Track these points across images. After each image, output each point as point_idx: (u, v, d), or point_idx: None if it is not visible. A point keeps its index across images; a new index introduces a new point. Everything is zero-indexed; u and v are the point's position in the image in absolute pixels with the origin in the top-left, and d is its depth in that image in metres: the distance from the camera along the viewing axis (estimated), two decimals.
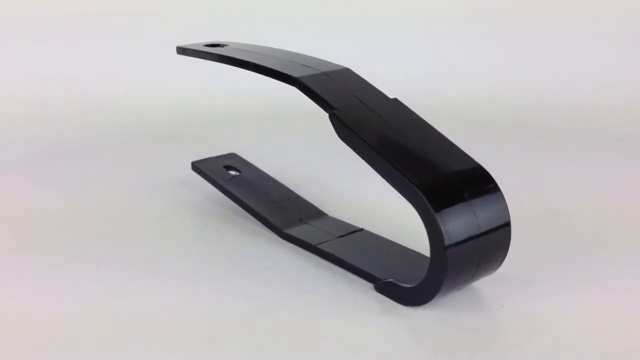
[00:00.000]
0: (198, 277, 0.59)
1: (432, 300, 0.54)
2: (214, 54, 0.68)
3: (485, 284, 0.57)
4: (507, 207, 0.53)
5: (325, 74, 0.61)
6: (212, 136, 0.93)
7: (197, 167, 0.75)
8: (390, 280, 0.56)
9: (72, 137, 0.92)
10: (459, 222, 0.51)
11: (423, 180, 0.52)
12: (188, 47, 0.71)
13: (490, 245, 0.53)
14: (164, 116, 0.98)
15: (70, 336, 0.51)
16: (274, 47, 0.71)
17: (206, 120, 0.98)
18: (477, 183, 0.53)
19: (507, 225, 0.53)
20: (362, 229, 0.65)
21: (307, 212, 0.69)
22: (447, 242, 0.50)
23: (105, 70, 1.07)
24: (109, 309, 0.54)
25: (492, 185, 0.54)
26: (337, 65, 0.63)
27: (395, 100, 0.60)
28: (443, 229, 0.50)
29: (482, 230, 0.52)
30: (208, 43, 0.72)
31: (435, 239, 0.50)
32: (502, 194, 0.54)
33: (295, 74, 0.60)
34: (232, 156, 0.78)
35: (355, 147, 0.55)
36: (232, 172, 0.75)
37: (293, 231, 0.65)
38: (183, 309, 0.54)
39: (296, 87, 0.60)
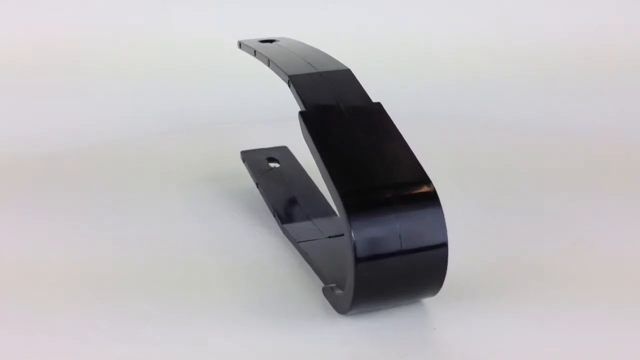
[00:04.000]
0: (176, 250, 0.64)
1: (364, 312, 0.53)
2: (250, 47, 0.71)
3: (433, 304, 0.54)
4: (444, 227, 0.50)
5: (320, 73, 0.61)
6: (281, 129, 0.96)
7: (243, 156, 0.79)
8: (331, 285, 0.55)
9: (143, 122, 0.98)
10: (377, 236, 0.49)
11: (349, 189, 0.50)
12: (244, 42, 0.75)
13: (418, 265, 0.50)
14: (235, 109, 1.02)
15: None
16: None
17: (279, 113, 1.01)
18: (414, 198, 0.50)
19: (442, 246, 0.50)
20: None
21: (319, 210, 0.69)
22: (358, 255, 0.48)
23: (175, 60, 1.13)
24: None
25: (431, 202, 0.50)
26: (341, 65, 0.63)
27: (377, 105, 0.58)
28: (355, 240, 0.48)
29: (405, 247, 0.49)
30: (263, 39, 0.75)
31: (349, 250, 0.49)
32: (441, 212, 0.50)
33: (291, 71, 0.61)
34: (281, 149, 0.80)
35: (310, 149, 0.55)
36: (272, 165, 0.77)
37: (290, 226, 0.66)
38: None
39: (286, 83, 0.61)
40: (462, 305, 0.54)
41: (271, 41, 0.74)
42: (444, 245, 0.50)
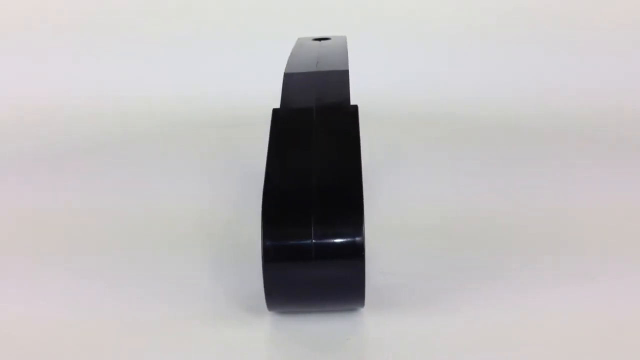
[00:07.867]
0: (173, 228, 0.69)
1: (294, 313, 0.53)
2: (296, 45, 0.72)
3: (365, 313, 0.53)
4: (362, 240, 0.47)
5: (316, 73, 0.61)
6: None
7: None
8: None
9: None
10: (288, 242, 0.48)
11: (274, 189, 0.49)
12: (300, 39, 0.76)
13: (333, 276, 0.48)
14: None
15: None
16: None
17: None
18: (337, 208, 0.48)
19: (358, 259, 0.47)
20: None
21: None
22: (265, 258, 0.47)
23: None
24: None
25: (354, 213, 0.48)
26: (344, 66, 0.62)
27: (352, 107, 0.56)
28: (264, 244, 0.47)
29: (318, 257, 0.47)
30: (318, 37, 0.76)
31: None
32: (362, 225, 0.47)
33: (290, 69, 0.62)
34: None
35: None
36: None
37: None
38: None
39: None
40: (398, 312, 0.53)
41: (321, 39, 0.74)
42: (360, 258, 0.47)
